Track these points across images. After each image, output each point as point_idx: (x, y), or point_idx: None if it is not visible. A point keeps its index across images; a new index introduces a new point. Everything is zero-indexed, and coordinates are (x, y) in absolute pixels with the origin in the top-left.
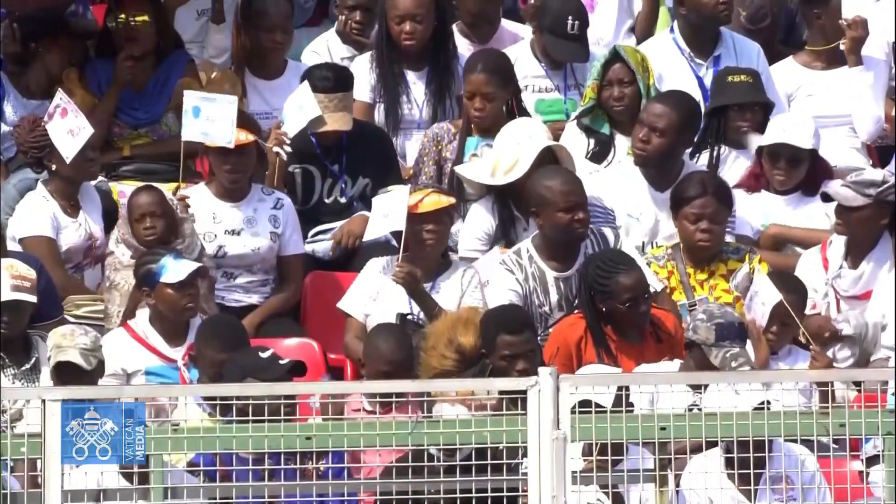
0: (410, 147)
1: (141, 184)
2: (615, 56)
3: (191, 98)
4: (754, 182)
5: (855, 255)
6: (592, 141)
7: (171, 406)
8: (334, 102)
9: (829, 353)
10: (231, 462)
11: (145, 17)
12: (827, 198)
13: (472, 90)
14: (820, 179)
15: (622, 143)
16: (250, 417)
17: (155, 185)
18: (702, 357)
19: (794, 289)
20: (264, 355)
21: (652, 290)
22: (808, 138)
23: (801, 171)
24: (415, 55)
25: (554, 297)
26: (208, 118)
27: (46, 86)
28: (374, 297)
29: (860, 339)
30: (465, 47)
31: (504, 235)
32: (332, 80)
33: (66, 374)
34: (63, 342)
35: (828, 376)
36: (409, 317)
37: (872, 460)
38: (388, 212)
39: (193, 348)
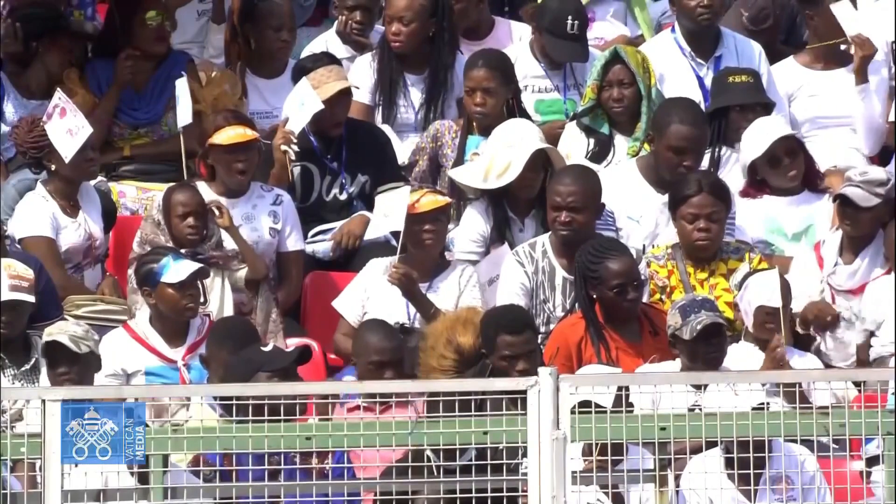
0: (405, 149)
1: (150, 185)
2: (615, 57)
3: (177, 87)
4: (754, 192)
5: (850, 250)
6: (592, 141)
7: (175, 406)
8: (334, 73)
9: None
10: (236, 461)
11: (173, 17)
12: (840, 199)
13: (473, 86)
14: (814, 172)
15: (621, 143)
16: (251, 417)
17: (192, 183)
18: (684, 346)
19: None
20: (267, 349)
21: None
22: (785, 126)
23: (802, 159)
24: (408, 57)
25: (559, 296)
26: (181, 103)
27: (46, 86)
28: (367, 298)
29: (858, 320)
30: (463, 47)
31: (499, 237)
32: (325, 59)
33: (56, 358)
34: (54, 331)
35: (828, 376)
36: (406, 324)
37: (873, 460)
38: (388, 211)
39: (203, 349)
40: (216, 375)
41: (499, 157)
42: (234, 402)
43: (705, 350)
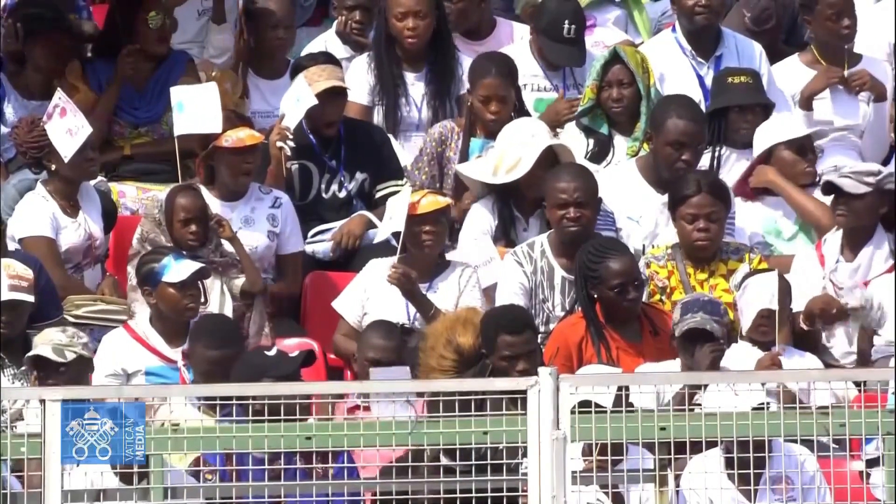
0: (410, 149)
1: (149, 185)
2: (615, 57)
3: (175, 94)
4: (750, 193)
5: (851, 247)
6: (591, 141)
7: (160, 405)
8: (327, 72)
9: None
10: (237, 462)
11: (173, 17)
12: (828, 188)
13: (488, 94)
14: None
15: (621, 143)
16: (251, 417)
17: (194, 185)
18: (677, 343)
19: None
20: (271, 353)
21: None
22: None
23: (816, 161)
24: (414, 54)
25: (558, 295)
26: (193, 109)
27: (44, 85)
28: (367, 299)
29: (867, 311)
30: (464, 47)
31: (504, 235)
32: (321, 58)
33: (41, 368)
34: (38, 342)
35: (828, 376)
36: (406, 325)
37: (872, 462)
38: (392, 213)
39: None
40: (197, 372)
41: (509, 152)
42: (235, 402)
43: (688, 350)
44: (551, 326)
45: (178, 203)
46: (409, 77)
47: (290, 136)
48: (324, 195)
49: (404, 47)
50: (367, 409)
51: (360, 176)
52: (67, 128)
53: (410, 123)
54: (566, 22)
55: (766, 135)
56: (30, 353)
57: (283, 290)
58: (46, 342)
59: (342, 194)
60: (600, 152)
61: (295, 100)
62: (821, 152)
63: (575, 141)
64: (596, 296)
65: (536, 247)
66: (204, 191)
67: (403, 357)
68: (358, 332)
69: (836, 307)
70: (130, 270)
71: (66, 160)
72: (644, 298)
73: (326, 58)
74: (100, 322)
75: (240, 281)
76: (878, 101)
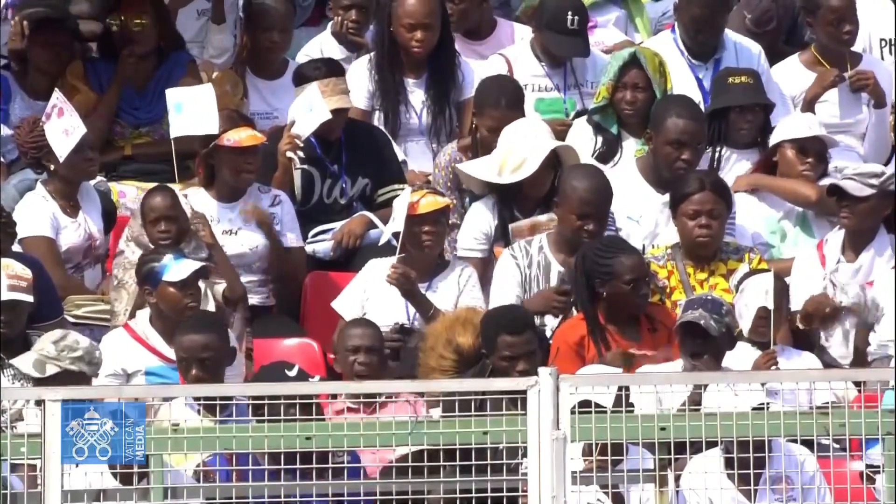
0: (411, 152)
1: (149, 184)
2: (633, 60)
3: (171, 95)
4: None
5: (852, 248)
6: (600, 139)
7: (161, 405)
8: (330, 87)
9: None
10: (237, 463)
11: (144, 19)
12: (833, 191)
13: (496, 126)
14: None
15: (629, 144)
16: (249, 416)
17: (169, 185)
18: (678, 337)
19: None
20: (291, 373)
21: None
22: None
23: (824, 166)
24: (417, 62)
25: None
26: (191, 110)
27: (49, 85)
28: (366, 299)
29: (861, 308)
30: (465, 47)
31: (503, 235)
32: (324, 69)
33: (63, 381)
34: (35, 347)
35: (828, 376)
36: (406, 325)
37: (874, 468)
38: (396, 214)
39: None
40: (184, 370)
41: (514, 152)
42: (234, 402)
43: (685, 345)
44: (545, 318)
45: (147, 204)
46: (409, 83)
47: (301, 145)
48: (325, 200)
49: (410, 56)
50: (353, 410)
51: (362, 181)
52: (64, 128)
53: (410, 129)
54: (569, 13)
55: (777, 132)
56: (12, 361)
57: (289, 290)
58: (35, 351)
59: (343, 200)
60: (608, 152)
61: (308, 109)
62: (829, 158)
63: (584, 138)
64: (604, 293)
65: (535, 243)
66: (202, 192)
67: (383, 345)
68: None
69: (829, 306)
70: (114, 270)
71: (60, 160)
72: None
73: (329, 65)
74: (100, 322)
75: (221, 286)
76: (878, 107)
